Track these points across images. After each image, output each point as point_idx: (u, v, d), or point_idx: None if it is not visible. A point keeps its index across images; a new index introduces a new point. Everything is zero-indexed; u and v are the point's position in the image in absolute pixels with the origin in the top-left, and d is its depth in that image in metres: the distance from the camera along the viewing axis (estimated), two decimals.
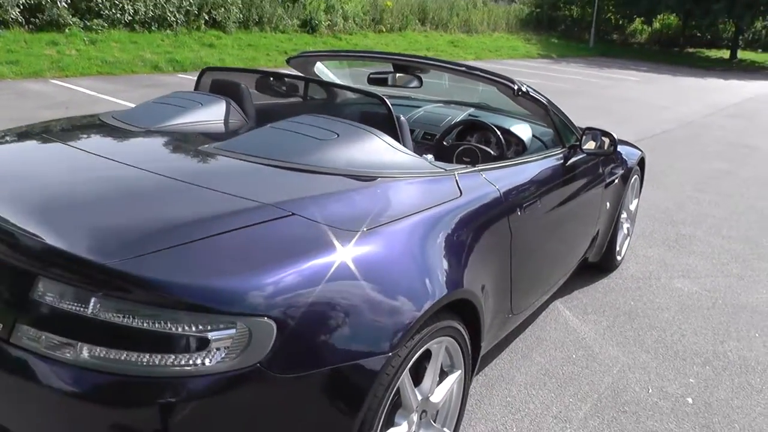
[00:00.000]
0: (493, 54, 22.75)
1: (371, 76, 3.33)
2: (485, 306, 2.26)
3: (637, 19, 31.41)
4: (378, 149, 2.27)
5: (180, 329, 1.46)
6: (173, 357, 1.46)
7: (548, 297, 3.41)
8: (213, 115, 2.64)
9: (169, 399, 1.46)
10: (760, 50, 31.68)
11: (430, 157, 2.58)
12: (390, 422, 1.90)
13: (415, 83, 3.49)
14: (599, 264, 4.16)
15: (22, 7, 11.92)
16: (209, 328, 1.48)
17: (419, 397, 1.99)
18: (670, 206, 5.97)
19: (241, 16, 16.01)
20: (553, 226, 2.99)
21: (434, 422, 2.16)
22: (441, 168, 2.38)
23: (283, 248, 1.66)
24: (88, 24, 12.74)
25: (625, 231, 4.45)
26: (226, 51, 14.10)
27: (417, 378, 2.00)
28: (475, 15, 26.24)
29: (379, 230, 1.86)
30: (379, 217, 1.91)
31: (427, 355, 2.00)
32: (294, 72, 3.78)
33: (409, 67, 3.36)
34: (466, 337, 2.13)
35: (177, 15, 14.33)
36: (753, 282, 4.36)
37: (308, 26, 18.00)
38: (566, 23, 31.00)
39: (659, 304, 3.89)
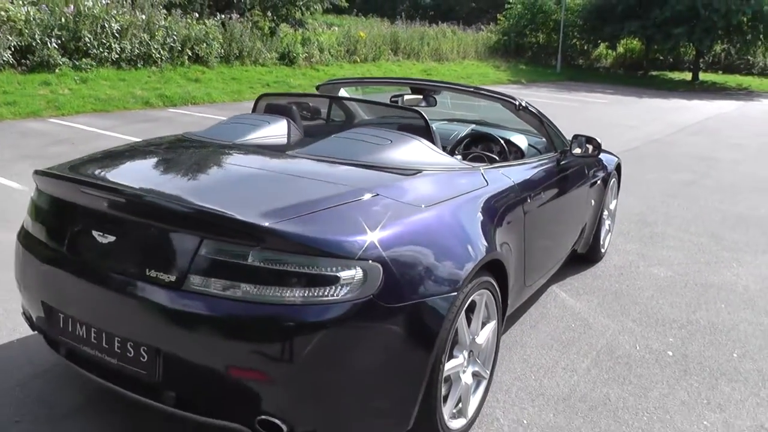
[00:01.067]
0: (465, 81, 23.54)
1: (392, 99, 3.93)
2: (509, 270, 2.85)
3: (602, 44, 32.54)
4: (421, 151, 2.87)
5: (318, 270, 2.02)
6: (314, 290, 2.01)
7: (546, 280, 3.99)
8: (278, 130, 3.21)
9: (311, 320, 2.00)
10: (720, 72, 32.86)
11: (459, 157, 3.18)
12: (451, 355, 2.46)
13: (424, 103, 4.09)
14: (586, 255, 4.77)
15: (13, 49, 12.34)
16: (338, 270, 2.04)
17: (469, 337, 2.56)
18: (643, 210, 6.63)
19: (222, 51, 16.57)
20: (553, 213, 3.60)
21: (478, 360, 2.72)
22: (469, 165, 3.00)
23: (379, 215, 2.25)
24: (77, 63, 13.15)
25: (607, 227, 5.08)
26: (212, 85, 14.64)
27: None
28: (444, 44, 27.07)
29: (434, 207, 2.47)
30: (433, 198, 2.51)
31: (471, 308, 2.57)
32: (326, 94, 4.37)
33: (425, 89, 3.96)
34: (498, 292, 2.72)
35: (161, 52, 14.82)
36: (718, 267, 5.00)
37: (286, 59, 18.62)
38: (533, 50, 32.05)
39: (640, 286, 4.50)
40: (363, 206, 2.29)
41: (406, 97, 4.26)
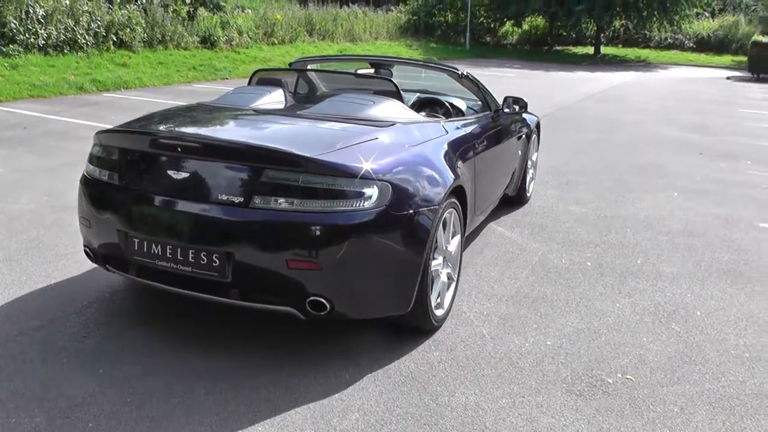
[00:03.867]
0: None
1: (357, 71, 4.70)
2: (468, 196, 3.68)
3: (508, 22, 33.94)
4: (396, 108, 3.68)
5: (349, 188, 2.79)
6: (346, 202, 2.78)
7: (486, 216, 4.86)
8: (277, 97, 3.93)
9: (348, 223, 2.77)
10: (620, 45, 34.91)
11: (423, 113, 3.99)
12: (433, 256, 3.25)
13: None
14: (515, 198, 5.68)
15: None
16: (362, 187, 2.81)
17: (444, 244, 3.38)
18: (558, 163, 7.63)
19: (146, 35, 16.75)
20: (492, 158, 4.46)
21: (449, 264, 3.54)
22: (432, 119, 3.82)
23: (382, 151, 3.05)
24: (4, 50, 13.14)
25: (531, 175, 6.01)
26: (141, 69, 14.86)
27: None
28: (357, 25, 27.68)
29: (415, 147, 3.30)
30: (413, 141, 3.32)
31: (444, 224, 3.37)
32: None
33: (382, 64, 4.74)
34: (461, 213, 3.55)
35: (87, 37, 14.91)
36: (624, 203, 6.02)
37: (208, 42, 18.90)
38: (442, 28, 33.08)
39: (561, 220, 5.45)
40: (369, 145, 3.08)
41: (360, 71, 5.03)
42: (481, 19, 33.75)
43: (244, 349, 3.19)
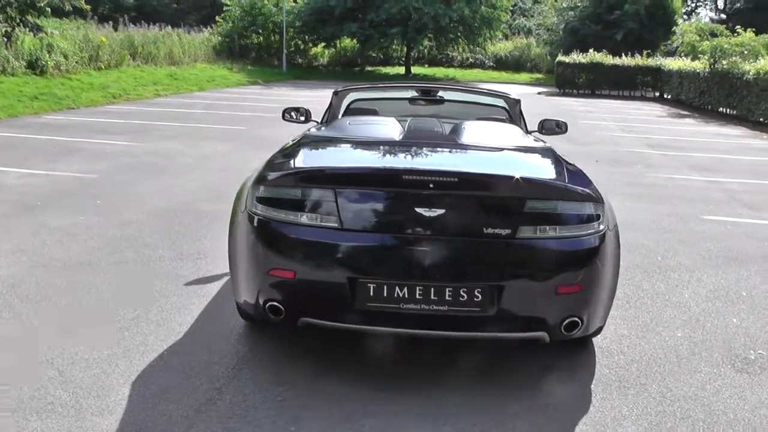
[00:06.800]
0: (212, 84, 23.61)
1: (411, 98, 4.84)
2: None
3: (319, 43, 34.81)
4: (519, 132, 4.03)
5: (593, 211, 3.02)
6: (594, 224, 3.01)
7: None
8: (397, 127, 3.85)
9: (598, 244, 3.01)
10: (427, 65, 37.36)
11: (531, 136, 4.31)
12: None
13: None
14: None
15: None
16: (598, 209, 3.05)
17: None
18: None
19: None
20: None
21: None
22: (539, 141, 4.14)
23: (584, 175, 3.31)
24: None
25: None
26: None
27: None
28: (175, 47, 26.87)
29: (565, 164, 3.52)
30: (573, 163, 3.58)
31: None
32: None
33: (431, 90, 4.93)
34: None
35: None
36: None
37: (36, 67, 17.37)
38: (256, 50, 33.11)
39: None
40: (570, 169, 3.35)
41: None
42: (293, 41, 34.15)
43: (435, 385, 3.17)
